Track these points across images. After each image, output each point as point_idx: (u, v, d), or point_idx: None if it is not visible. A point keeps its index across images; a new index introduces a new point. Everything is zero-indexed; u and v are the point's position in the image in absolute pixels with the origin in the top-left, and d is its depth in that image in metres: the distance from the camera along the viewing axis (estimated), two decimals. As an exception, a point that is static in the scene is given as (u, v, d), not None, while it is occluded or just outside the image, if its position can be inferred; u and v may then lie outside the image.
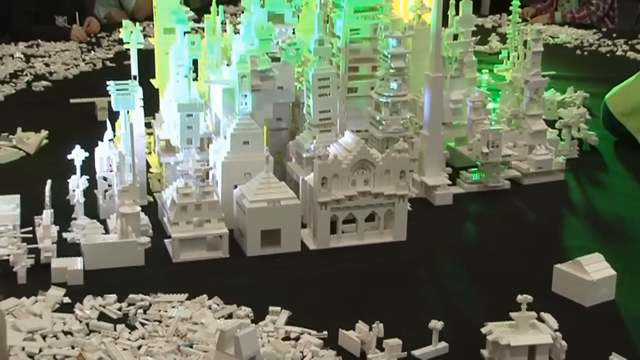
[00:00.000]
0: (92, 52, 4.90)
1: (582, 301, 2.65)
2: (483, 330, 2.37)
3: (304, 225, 3.01)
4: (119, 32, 3.20)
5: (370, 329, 2.37)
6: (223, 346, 1.94)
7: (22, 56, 4.79)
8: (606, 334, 2.52)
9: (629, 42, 5.28)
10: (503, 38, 4.59)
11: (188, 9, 3.17)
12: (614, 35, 5.43)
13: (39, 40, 4.98)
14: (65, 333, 2.41)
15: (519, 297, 2.37)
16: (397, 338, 2.34)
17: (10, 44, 4.93)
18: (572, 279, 2.67)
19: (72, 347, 2.35)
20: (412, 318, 2.48)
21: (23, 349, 2.26)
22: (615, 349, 2.34)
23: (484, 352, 2.37)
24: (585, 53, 5.17)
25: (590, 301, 2.64)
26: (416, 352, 2.35)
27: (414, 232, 3.04)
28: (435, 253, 3.02)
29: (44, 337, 2.33)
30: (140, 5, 5.26)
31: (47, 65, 4.67)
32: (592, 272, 2.65)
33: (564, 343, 2.37)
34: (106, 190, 3.06)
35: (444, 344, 2.37)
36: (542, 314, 2.46)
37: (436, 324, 2.34)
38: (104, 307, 2.55)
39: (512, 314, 2.37)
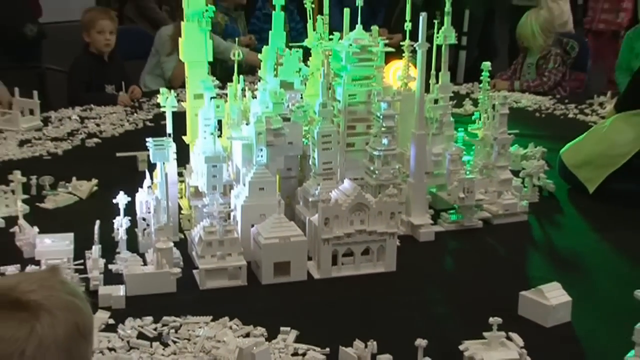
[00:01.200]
0: (135, 114, 4.91)
1: (544, 322, 2.63)
2: (461, 347, 2.36)
3: (309, 258, 2.99)
4: (157, 97, 3.20)
5: (366, 346, 2.35)
6: (243, 362, 1.92)
7: (77, 118, 4.80)
8: (564, 351, 2.51)
9: (579, 107, 5.29)
10: (475, 102, 4.58)
11: (214, 78, 3.17)
12: (566, 101, 5.45)
13: (92, 105, 4.98)
14: (110, 349, 2.40)
15: (491, 320, 2.36)
16: (388, 354, 2.32)
17: (68, 108, 4.94)
18: (534, 304, 2.66)
19: (115, 362, 2.34)
20: (401, 337, 2.44)
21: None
22: (573, 363, 2.31)
23: (462, 366, 2.34)
24: (543, 115, 5.18)
25: (550, 322, 2.63)
26: (404, 366, 2.33)
27: (402, 264, 3.02)
28: (420, 282, 3.00)
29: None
30: (176, 75, 5.27)
31: (97, 125, 4.67)
32: (551, 298, 2.64)
33: (528, 358, 2.36)
34: (145, 229, 3.05)
35: (428, 359, 2.34)
36: (510, 333, 2.44)
37: (421, 342, 2.32)
38: (142, 327, 2.54)
39: (485, 334, 2.36)
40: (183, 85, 4.97)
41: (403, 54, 3.56)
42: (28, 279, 1.51)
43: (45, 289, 1.47)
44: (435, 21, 3.46)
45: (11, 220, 3.18)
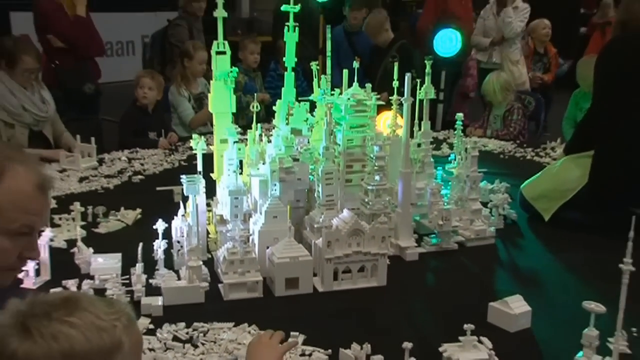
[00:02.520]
0: (172, 155, 4.91)
1: (508, 328, 2.60)
2: (440, 349, 2.33)
3: (315, 274, 2.95)
4: (190, 142, 3.21)
5: (361, 348, 2.33)
6: (258, 361, 1.88)
7: (126, 159, 4.80)
8: (525, 352, 2.48)
9: (534, 150, 5.30)
10: (451, 146, 4.59)
11: (237, 126, 3.18)
12: (525, 145, 5.44)
13: (137, 148, 4.99)
14: (150, 350, 2.38)
15: (465, 326, 2.33)
16: (380, 355, 2.30)
17: (118, 151, 4.95)
18: (501, 313, 2.63)
19: (153, 360, 2.31)
20: (390, 340, 2.41)
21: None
22: (533, 362, 2.28)
23: (441, 365, 2.31)
24: (506, 157, 5.17)
25: (513, 328, 2.60)
26: (394, 365, 2.30)
27: (392, 279, 2.99)
28: (406, 294, 2.97)
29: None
30: (194, 120, 5.31)
31: (142, 164, 4.67)
32: (514, 308, 2.61)
33: (496, 359, 2.33)
34: (179, 250, 3.03)
35: (413, 359, 2.30)
36: (481, 337, 2.42)
37: (407, 345, 2.28)
38: (176, 331, 2.52)
39: (460, 338, 2.33)
40: (201, 126, 5.03)
41: (392, 107, 3.57)
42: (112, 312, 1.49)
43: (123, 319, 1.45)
44: (417, 80, 3.47)
45: (71, 243, 3.17)
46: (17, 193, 1.55)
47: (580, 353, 2.39)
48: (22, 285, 2.82)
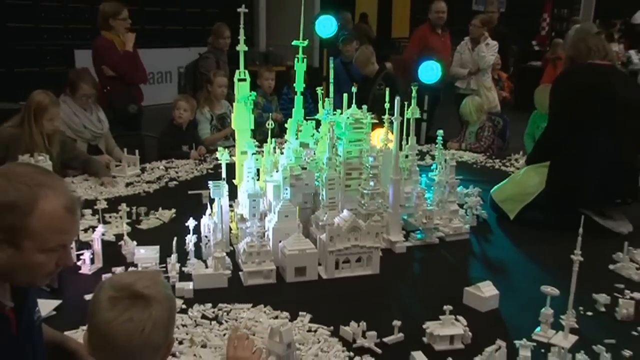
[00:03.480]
0: (201, 165, 4.91)
1: (480, 308, 2.60)
2: (424, 326, 2.34)
3: (320, 264, 2.95)
4: (216, 153, 3.21)
5: (358, 325, 2.33)
6: (273, 336, 1.88)
7: (163, 167, 4.80)
8: (494, 328, 2.47)
9: (501, 161, 5.28)
10: (433, 157, 4.58)
11: (255, 140, 3.18)
12: (494, 157, 5.43)
13: (173, 159, 5.00)
14: (183, 325, 2.38)
15: (444, 307, 2.34)
16: (374, 331, 2.30)
17: (157, 162, 4.95)
18: (474, 296, 2.63)
19: (187, 334, 2.32)
20: (382, 319, 2.42)
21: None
22: (499, 336, 2.28)
23: (424, 339, 2.32)
24: (479, 167, 5.15)
25: (484, 309, 2.59)
26: (385, 339, 2.30)
27: (384, 268, 2.98)
28: (396, 281, 2.95)
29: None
30: (207, 139, 5.31)
31: (176, 172, 4.67)
32: (485, 292, 2.61)
33: (469, 333, 2.33)
34: (206, 243, 3.03)
35: (401, 334, 2.31)
36: (458, 316, 2.43)
37: (396, 322, 2.29)
38: (204, 310, 2.52)
39: (440, 317, 2.34)
40: (213, 145, 5.01)
41: (384, 124, 3.57)
42: (142, 277, 1.49)
43: (155, 286, 1.48)
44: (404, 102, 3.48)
45: (119, 237, 3.18)
46: (49, 218, 1.49)
47: (538, 328, 2.41)
48: (79, 272, 2.84)
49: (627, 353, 2.28)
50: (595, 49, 3.61)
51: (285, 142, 3.44)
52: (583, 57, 3.64)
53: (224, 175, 3.12)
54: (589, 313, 2.60)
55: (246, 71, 3.24)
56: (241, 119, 3.28)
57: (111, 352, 1.42)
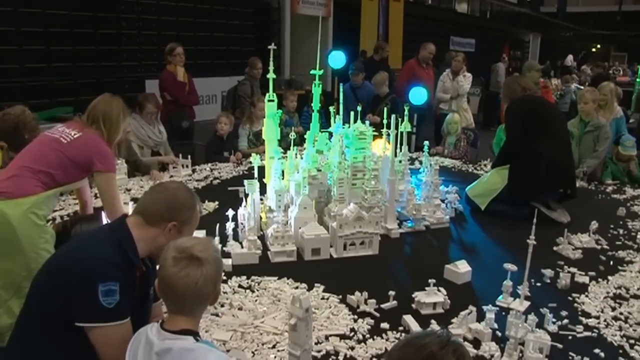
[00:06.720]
0: (238, 167, 4.91)
1: (457, 281, 2.59)
2: (413, 295, 2.33)
3: (331, 246, 2.94)
4: (250, 158, 3.20)
5: (361, 294, 2.33)
6: (294, 302, 1.87)
7: (209, 169, 4.81)
8: (467, 296, 2.46)
9: (474, 165, 5.24)
10: (420, 162, 4.54)
11: (281, 148, 3.17)
12: (469, 162, 5.38)
13: (216, 163, 5.01)
14: (223, 292, 2.39)
15: (429, 280, 2.33)
16: (373, 299, 2.29)
17: (204, 164, 4.96)
18: (452, 272, 2.62)
19: (227, 299, 2.33)
20: (380, 290, 2.41)
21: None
22: (471, 303, 2.27)
23: (413, 305, 2.31)
24: (456, 170, 5.11)
25: (460, 282, 2.59)
26: (382, 305, 2.30)
27: (382, 250, 2.98)
28: (391, 259, 2.94)
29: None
30: (242, 150, 5.24)
31: (219, 173, 4.67)
32: (461, 268, 2.61)
33: (448, 300, 2.31)
34: (242, 229, 3.03)
35: (395, 301, 2.30)
36: (440, 287, 2.41)
37: (391, 293, 2.28)
38: (240, 281, 2.53)
39: (426, 288, 2.33)
40: (245, 156, 4.97)
41: (382, 136, 3.55)
42: (198, 243, 1.53)
43: (208, 250, 1.51)
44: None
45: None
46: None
47: (501, 296, 2.39)
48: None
49: (564, 313, 2.32)
50: (526, 86, 3.80)
51: (305, 149, 3.44)
52: (518, 94, 3.77)
53: (256, 175, 3.12)
54: (538, 284, 2.61)
55: (274, 94, 3.24)
56: (270, 131, 3.28)
57: (173, 297, 1.48)
